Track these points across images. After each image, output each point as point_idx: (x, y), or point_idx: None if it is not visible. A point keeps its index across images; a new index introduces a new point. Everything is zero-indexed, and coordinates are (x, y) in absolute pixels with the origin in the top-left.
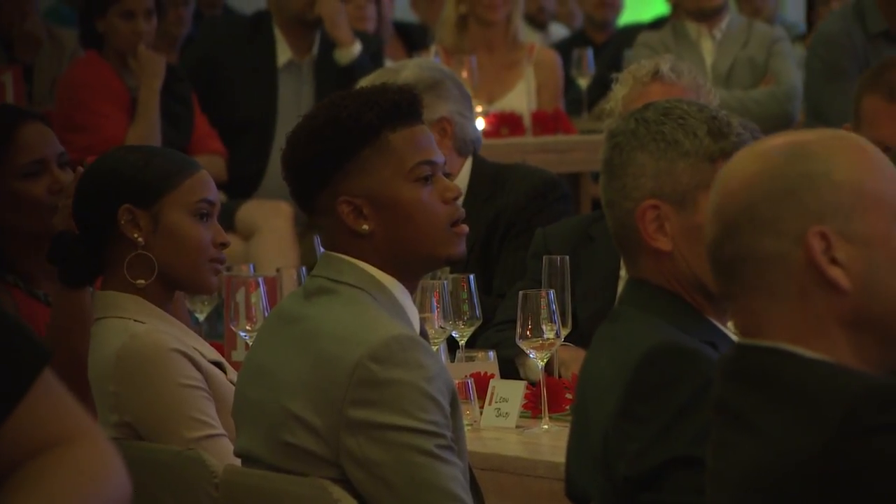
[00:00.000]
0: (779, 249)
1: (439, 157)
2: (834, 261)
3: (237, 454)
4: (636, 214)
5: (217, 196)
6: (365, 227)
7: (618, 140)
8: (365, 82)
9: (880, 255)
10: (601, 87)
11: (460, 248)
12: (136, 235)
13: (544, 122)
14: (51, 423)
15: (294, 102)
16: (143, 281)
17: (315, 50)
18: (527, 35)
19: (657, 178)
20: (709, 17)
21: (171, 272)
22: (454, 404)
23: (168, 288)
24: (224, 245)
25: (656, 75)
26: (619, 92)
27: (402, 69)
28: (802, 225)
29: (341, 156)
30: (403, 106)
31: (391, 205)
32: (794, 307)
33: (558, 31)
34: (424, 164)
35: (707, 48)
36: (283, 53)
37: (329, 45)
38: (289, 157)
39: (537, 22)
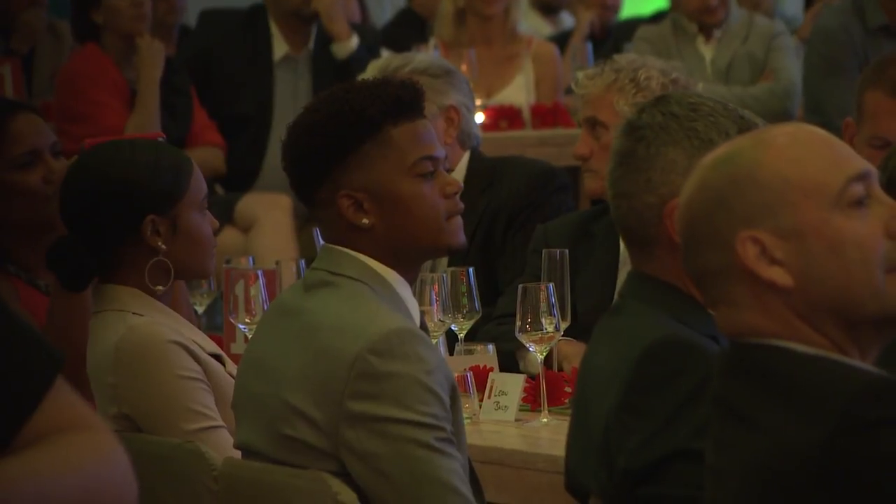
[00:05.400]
0: (724, 261)
1: (440, 151)
2: (774, 261)
3: (237, 447)
4: (664, 210)
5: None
6: (365, 220)
7: (644, 133)
8: (376, 67)
9: (815, 244)
10: None
11: (460, 238)
12: (159, 243)
13: (543, 115)
14: (62, 421)
15: (290, 96)
16: (161, 287)
17: (311, 44)
18: (534, 21)
19: (689, 176)
20: (707, 27)
21: (182, 268)
22: (454, 397)
23: (169, 281)
24: (217, 230)
25: None
26: None
27: (416, 55)
28: (735, 232)
29: (343, 149)
30: (405, 100)
31: (392, 199)
32: (758, 312)
33: (568, 20)
34: (426, 159)
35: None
36: (280, 47)
37: (325, 39)
38: (290, 149)
39: (549, 7)
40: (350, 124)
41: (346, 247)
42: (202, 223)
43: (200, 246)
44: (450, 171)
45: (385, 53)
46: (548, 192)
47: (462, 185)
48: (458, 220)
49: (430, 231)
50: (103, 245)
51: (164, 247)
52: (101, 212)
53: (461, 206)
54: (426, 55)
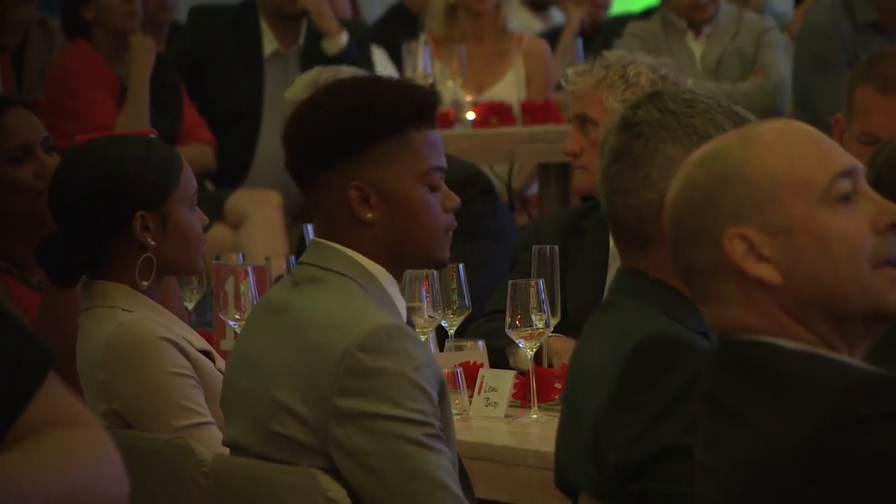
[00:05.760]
0: (712, 258)
1: (445, 163)
2: (762, 257)
3: (226, 444)
4: (664, 207)
5: None
6: (369, 215)
7: (642, 129)
8: (306, 79)
9: (803, 241)
10: None
11: (448, 255)
12: (148, 239)
13: (534, 111)
14: (53, 417)
15: (280, 93)
16: (146, 283)
17: (301, 40)
18: (524, 18)
19: None
20: (697, 24)
21: (171, 265)
22: (443, 393)
23: (159, 277)
24: (206, 227)
25: None
26: None
27: (343, 68)
28: (722, 229)
29: (365, 140)
30: (429, 107)
31: (400, 200)
32: (747, 309)
33: (558, 16)
34: (437, 169)
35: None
36: (270, 44)
37: (315, 36)
38: (304, 127)
39: (539, 3)
40: (378, 117)
41: (340, 238)
42: (192, 219)
43: (190, 242)
44: None
45: (376, 50)
46: (470, 195)
47: (459, 202)
48: (451, 237)
49: (429, 240)
50: (92, 241)
51: (153, 243)
52: (90, 207)
53: (455, 223)
54: (351, 68)
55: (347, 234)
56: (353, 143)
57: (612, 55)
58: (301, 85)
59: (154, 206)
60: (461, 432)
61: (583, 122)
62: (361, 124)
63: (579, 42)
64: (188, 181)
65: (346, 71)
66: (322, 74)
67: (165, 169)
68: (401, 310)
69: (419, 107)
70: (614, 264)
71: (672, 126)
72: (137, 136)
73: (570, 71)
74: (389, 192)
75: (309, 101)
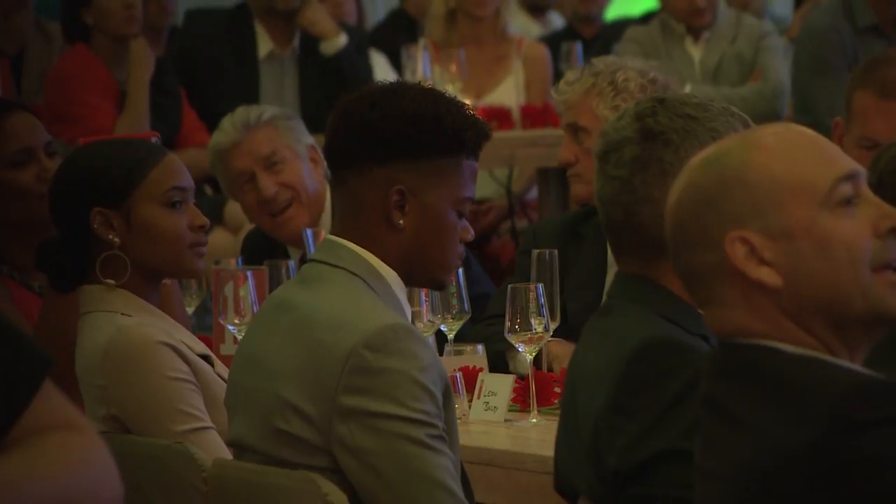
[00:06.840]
0: (713, 261)
1: (475, 195)
2: (763, 261)
3: (229, 443)
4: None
5: (189, 181)
6: (401, 221)
7: (670, 137)
8: (235, 116)
9: (804, 244)
10: None
11: (451, 280)
12: (111, 236)
13: (533, 115)
14: (48, 422)
15: (276, 94)
16: (112, 281)
17: (296, 41)
18: (523, 21)
19: None
20: (695, 30)
21: (151, 265)
22: (447, 395)
23: (150, 280)
24: (202, 227)
25: None
26: None
27: (265, 106)
28: (724, 232)
29: (426, 151)
30: (485, 141)
31: (433, 217)
32: (747, 312)
33: (556, 20)
34: (469, 199)
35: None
36: (264, 45)
37: (311, 36)
38: (371, 116)
39: (537, 6)
40: (445, 134)
41: (359, 234)
42: (162, 216)
43: (158, 240)
44: (321, 204)
45: (376, 56)
46: None
47: (473, 235)
48: (459, 265)
49: (444, 262)
50: (72, 240)
51: (117, 241)
52: (56, 205)
53: (465, 254)
54: (271, 106)
55: (371, 232)
56: (413, 149)
57: (600, 62)
58: (230, 122)
59: (113, 202)
60: (461, 436)
61: (575, 131)
62: (429, 134)
63: (579, 46)
64: (161, 177)
65: (270, 111)
66: (251, 113)
67: (128, 165)
68: (407, 314)
69: (479, 137)
70: (612, 269)
71: (699, 131)
72: (125, 138)
73: (561, 80)
74: (427, 205)
75: (380, 93)
